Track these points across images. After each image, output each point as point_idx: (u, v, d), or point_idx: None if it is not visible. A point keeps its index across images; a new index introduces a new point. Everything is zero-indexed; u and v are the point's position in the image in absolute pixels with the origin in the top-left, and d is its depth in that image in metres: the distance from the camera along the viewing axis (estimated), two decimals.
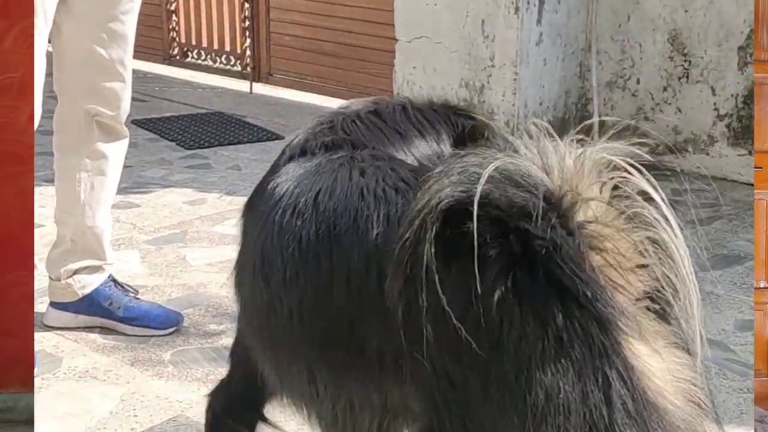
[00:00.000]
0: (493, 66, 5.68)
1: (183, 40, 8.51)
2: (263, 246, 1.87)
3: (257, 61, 7.83)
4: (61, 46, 3.34)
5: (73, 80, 3.39)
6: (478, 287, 1.42)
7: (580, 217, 1.49)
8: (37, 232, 4.56)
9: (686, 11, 5.55)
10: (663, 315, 1.52)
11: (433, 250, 1.45)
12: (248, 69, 7.97)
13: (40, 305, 3.65)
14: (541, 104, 5.82)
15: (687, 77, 5.63)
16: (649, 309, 1.52)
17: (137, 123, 6.73)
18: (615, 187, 1.53)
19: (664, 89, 5.76)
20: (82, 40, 3.32)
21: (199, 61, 8.47)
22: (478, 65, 5.74)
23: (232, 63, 8.20)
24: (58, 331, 3.58)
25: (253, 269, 1.92)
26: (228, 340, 3.54)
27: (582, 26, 5.96)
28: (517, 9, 5.51)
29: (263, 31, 7.75)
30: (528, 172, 1.49)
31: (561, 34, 5.83)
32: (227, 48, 8.19)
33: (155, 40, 8.58)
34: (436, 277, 1.44)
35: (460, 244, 1.45)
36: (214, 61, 8.36)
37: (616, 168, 1.54)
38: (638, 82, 5.85)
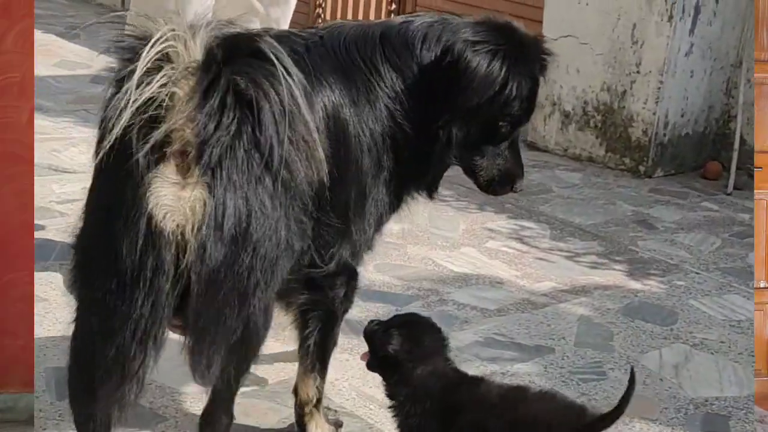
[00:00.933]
0: (638, 72, 5.59)
1: (328, 17, 8.59)
2: None
3: None
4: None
5: None
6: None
7: (174, 63, 2.07)
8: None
9: None
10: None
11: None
12: None
13: None
14: (682, 116, 5.70)
15: None
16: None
17: None
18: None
19: None
20: None
21: None
22: (623, 70, 5.65)
23: None
24: None
25: None
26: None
27: (735, 41, 5.81)
28: (671, 17, 5.40)
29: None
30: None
31: (712, 47, 5.70)
32: None
33: (301, 15, 8.67)
34: None
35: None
36: None
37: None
38: None
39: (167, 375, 2.81)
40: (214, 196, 2.06)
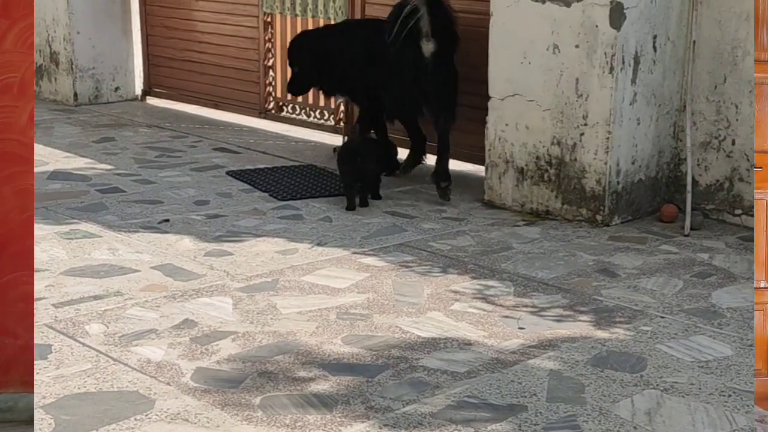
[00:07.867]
0: (585, 124, 5.68)
1: (279, 95, 8.68)
2: None
3: (350, 115, 7.94)
4: None
5: None
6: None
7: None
8: (133, 276, 4.67)
9: None
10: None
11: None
12: (341, 123, 8.08)
13: None
14: (633, 163, 5.79)
15: None
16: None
17: (232, 174, 6.86)
18: None
19: None
20: None
21: (294, 115, 8.62)
22: (571, 123, 5.74)
23: (325, 117, 8.33)
24: (151, 374, 3.66)
25: None
26: (317, 387, 3.58)
27: (677, 87, 5.93)
28: (611, 69, 5.50)
29: None
30: None
31: (656, 93, 5.81)
32: (321, 103, 8.32)
33: (252, 94, 8.76)
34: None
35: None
36: (308, 116, 8.50)
37: None
38: (733, 143, 5.79)
39: None
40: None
